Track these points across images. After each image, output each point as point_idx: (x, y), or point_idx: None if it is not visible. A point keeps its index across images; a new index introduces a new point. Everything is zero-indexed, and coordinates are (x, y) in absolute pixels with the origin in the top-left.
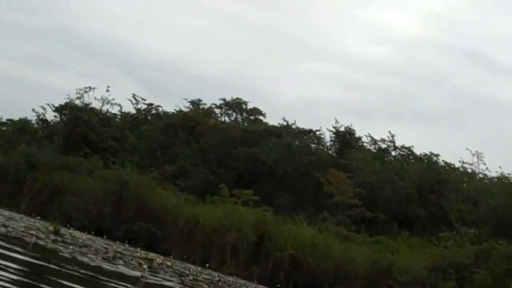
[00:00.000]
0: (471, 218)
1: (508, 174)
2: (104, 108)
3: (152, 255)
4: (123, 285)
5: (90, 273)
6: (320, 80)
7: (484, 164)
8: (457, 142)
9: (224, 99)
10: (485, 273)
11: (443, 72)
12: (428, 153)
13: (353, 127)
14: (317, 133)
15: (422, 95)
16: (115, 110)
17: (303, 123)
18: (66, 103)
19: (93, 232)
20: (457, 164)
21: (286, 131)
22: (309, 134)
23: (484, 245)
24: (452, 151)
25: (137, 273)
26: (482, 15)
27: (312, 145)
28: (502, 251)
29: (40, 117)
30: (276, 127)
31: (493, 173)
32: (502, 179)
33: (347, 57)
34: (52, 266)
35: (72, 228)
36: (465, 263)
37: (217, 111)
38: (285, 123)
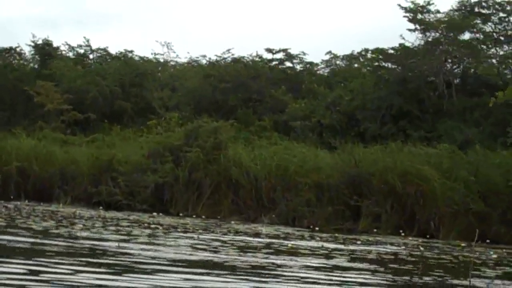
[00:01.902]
0: (173, 103)
1: (196, 57)
2: None
3: None
4: None
5: None
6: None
7: (174, 52)
8: (146, 36)
9: None
10: (197, 150)
11: None
12: (123, 51)
13: (50, 39)
14: (17, 49)
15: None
16: None
17: (2, 43)
18: None
19: None
20: (150, 56)
21: None
22: (10, 52)
23: (191, 125)
24: (143, 45)
25: None
26: None
27: (14, 62)
28: (207, 128)
29: None
30: None
31: (183, 59)
32: (191, 63)
33: None
34: None
35: None
36: (178, 144)
37: None
38: None
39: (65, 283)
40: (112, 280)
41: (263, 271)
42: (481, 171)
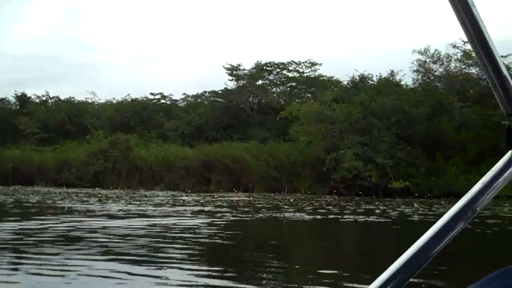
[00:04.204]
0: (99, 125)
1: (110, 99)
2: None
3: None
4: None
5: None
6: None
7: (97, 96)
8: (81, 87)
9: None
10: (116, 151)
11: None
12: (69, 97)
13: (26, 92)
14: (6, 99)
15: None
16: None
17: None
18: None
19: None
20: (84, 100)
21: None
22: (2, 101)
23: (111, 138)
24: (80, 93)
25: None
26: None
27: (4, 106)
28: (121, 139)
29: None
30: None
31: (103, 100)
32: (107, 102)
33: None
34: None
35: None
36: (105, 149)
37: None
38: None
39: (58, 229)
40: (86, 223)
41: (171, 215)
42: (274, 154)
